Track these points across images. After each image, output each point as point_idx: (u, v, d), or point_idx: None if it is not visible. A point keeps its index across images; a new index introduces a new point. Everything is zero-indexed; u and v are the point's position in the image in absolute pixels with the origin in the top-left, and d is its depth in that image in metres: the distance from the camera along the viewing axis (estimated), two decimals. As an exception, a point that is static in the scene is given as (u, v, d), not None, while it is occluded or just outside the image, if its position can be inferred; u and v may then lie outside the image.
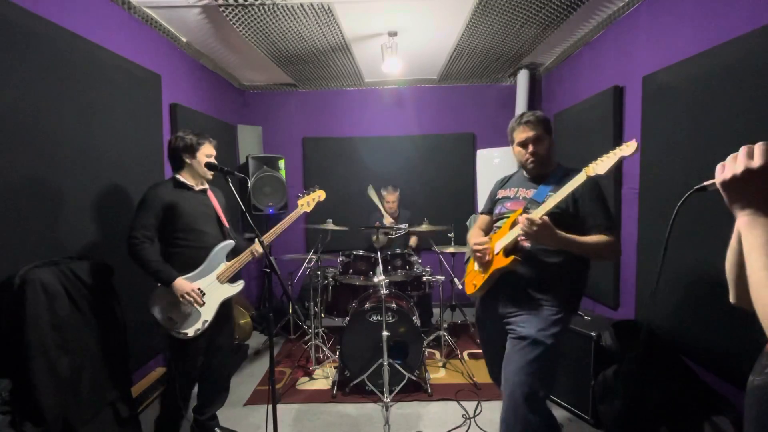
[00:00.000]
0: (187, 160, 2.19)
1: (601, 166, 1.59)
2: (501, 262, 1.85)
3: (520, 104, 4.54)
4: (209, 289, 2.16)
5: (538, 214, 1.70)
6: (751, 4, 1.91)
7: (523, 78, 4.49)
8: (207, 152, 2.21)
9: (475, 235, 2.06)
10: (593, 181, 1.73)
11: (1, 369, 1.70)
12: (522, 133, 1.91)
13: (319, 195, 2.58)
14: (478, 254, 1.95)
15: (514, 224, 1.83)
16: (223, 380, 2.44)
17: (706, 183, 0.88)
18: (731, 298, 0.95)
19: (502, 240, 1.88)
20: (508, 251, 1.85)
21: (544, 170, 1.94)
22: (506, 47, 3.74)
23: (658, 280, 2.23)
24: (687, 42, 2.31)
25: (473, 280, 2.03)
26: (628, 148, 1.54)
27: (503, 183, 2.12)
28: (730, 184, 0.79)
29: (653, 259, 2.60)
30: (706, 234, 2.09)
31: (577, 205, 1.80)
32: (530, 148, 1.90)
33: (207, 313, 2.15)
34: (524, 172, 2.01)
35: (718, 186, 0.81)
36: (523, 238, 1.78)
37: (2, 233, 1.79)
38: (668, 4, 2.49)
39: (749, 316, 0.75)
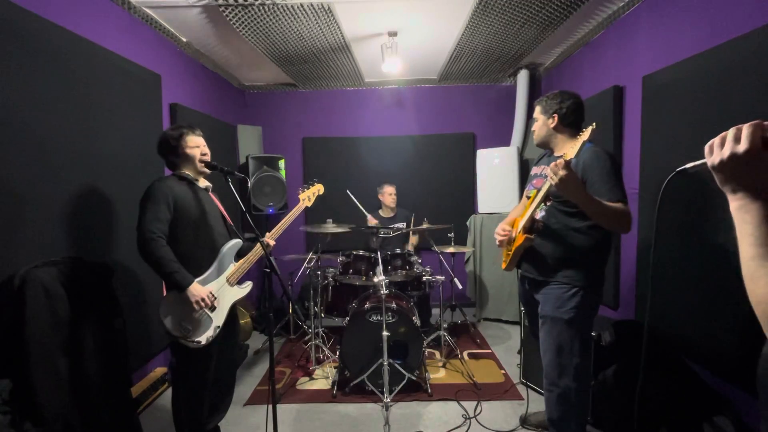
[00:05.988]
0: (172, 159, 2.06)
1: (570, 151, 1.74)
2: (518, 240, 1.99)
3: (520, 104, 4.55)
4: (220, 292, 2.03)
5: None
6: (751, 4, 1.91)
7: (523, 78, 4.49)
8: (191, 143, 2.05)
9: (507, 219, 2.20)
10: (602, 159, 1.86)
11: (1, 369, 1.70)
12: None
13: (319, 189, 2.60)
14: (501, 239, 2.09)
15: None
16: (229, 385, 2.32)
17: (687, 165, 0.85)
18: None
19: (524, 218, 1.98)
20: (525, 229, 1.96)
21: (547, 147, 2.10)
22: (506, 47, 3.74)
23: (652, 273, 2.23)
24: (687, 42, 2.31)
25: (504, 256, 2.19)
26: (586, 133, 1.71)
27: (537, 161, 2.24)
28: (718, 167, 0.74)
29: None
30: (706, 233, 2.09)
31: (586, 184, 1.87)
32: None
33: (218, 318, 2.00)
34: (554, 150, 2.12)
35: (709, 168, 0.76)
36: (537, 217, 1.96)
37: (2, 233, 1.79)
38: (668, 4, 2.49)
39: (748, 314, 0.74)
